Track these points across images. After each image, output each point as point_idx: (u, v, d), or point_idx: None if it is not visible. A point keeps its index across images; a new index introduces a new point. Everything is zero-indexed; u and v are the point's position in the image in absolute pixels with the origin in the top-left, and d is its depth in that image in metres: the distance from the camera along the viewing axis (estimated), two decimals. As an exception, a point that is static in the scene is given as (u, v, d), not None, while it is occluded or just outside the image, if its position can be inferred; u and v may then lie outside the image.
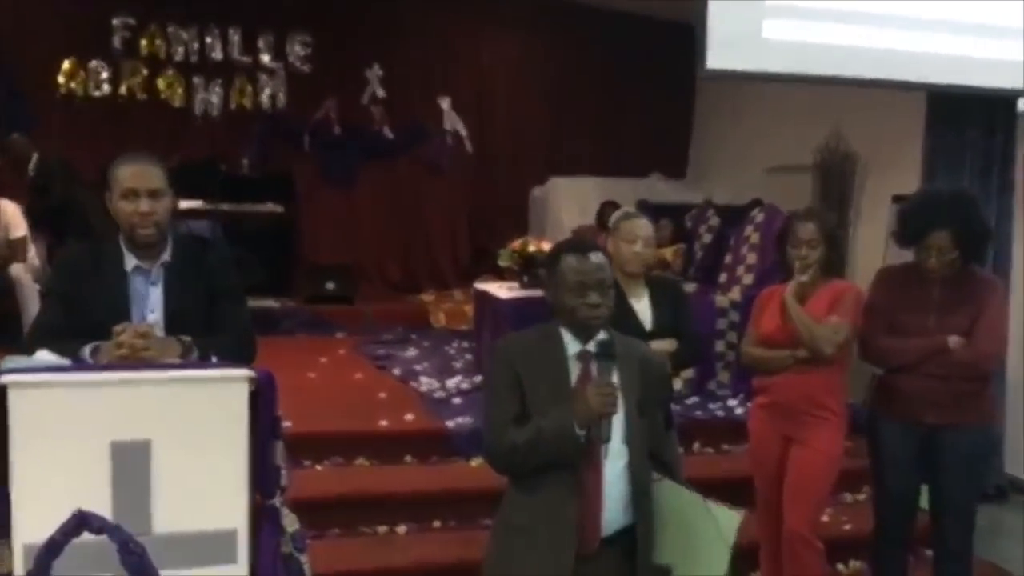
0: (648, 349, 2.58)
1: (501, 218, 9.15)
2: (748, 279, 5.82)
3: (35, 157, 6.71)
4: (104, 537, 1.93)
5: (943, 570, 3.30)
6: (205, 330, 2.49)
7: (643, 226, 3.25)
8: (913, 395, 3.12)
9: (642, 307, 3.25)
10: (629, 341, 2.47)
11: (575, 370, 2.35)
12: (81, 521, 1.83)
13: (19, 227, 6.34)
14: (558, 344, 2.36)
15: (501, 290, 5.98)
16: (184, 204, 7.53)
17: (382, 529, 4.06)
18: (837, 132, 5.53)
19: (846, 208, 5.12)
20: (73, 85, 8.09)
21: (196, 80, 8.35)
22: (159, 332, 2.42)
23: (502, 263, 6.10)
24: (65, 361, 2.23)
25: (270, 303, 7.26)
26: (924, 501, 3.32)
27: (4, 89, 7.89)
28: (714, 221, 6.91)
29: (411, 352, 6.70)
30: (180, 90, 8.32)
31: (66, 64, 8.06)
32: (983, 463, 3.24)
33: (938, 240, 3.05)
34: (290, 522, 2.36)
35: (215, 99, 8.42)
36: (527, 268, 5.91)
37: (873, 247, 5.85)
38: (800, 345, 3.16)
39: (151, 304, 2.52)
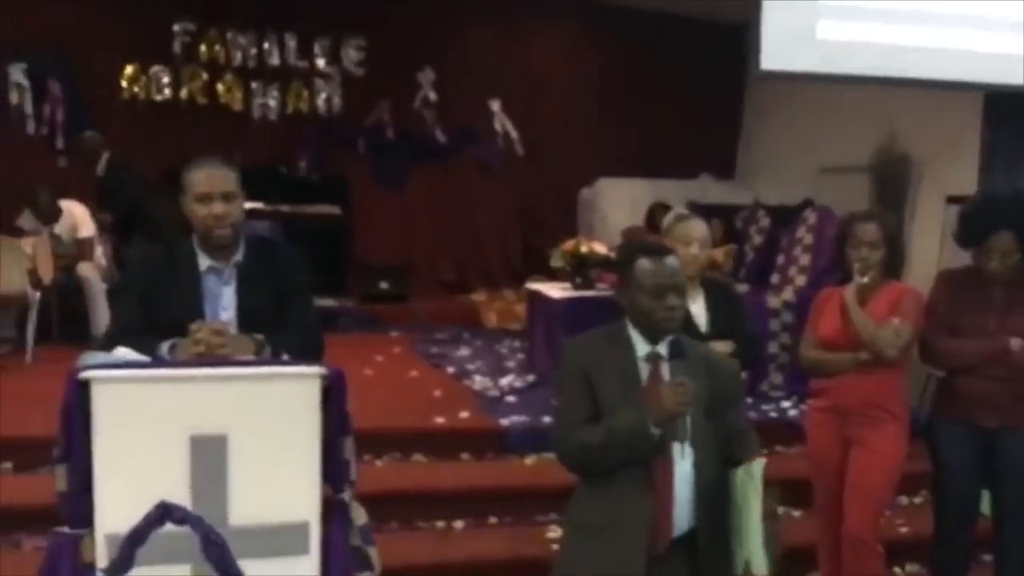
0: (714, 351, 2.57)
1: (551, 218, 9.15)
2: (801, 280, 5.77)
3: (105, 156, 6.85)
4: (184, 528, 1.99)
5: (1005, 574, 3.25)
6: (275, 328, 2.54)
7: (698, 228, 3.23)
8: (974, 397, 3.08)
9: (697, 309, 3.23)
10: (695, 344, 2.47)
11: (644, 371, 2.35)
12: (164, 512, 1.88)
13: (86, 227, 6.49)
14: (627, 345, 2.37)
15: (553, 290, 6.00)
16: (246, 206, 7.68)
17: (439, 524, 4.09)
18: (892, 133, 5.45)
19: (901, 209, 5.06)
20: (136, 90, 8.22)
21: (254, 85, 8.45)
22: (232, 330, 2.47)
23: (554, 264, 6.10)
24: (144, 358, 2.29)
25: (328, 302, 7.33)
26: (984, 507, 3.27)
27: (69, 94, 8.08)
28: (764, 222, 6.85)
29: (464, 351, 6.73)
30: (239, 94, 8.42)
31: (128, 69, 8.20)
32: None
33: (1000, 242, 3.00)
34: (358, 515, 2.40)
35: (272, 103, 8.51)
36: (579, 269, 5.91)
37: (928, 248, 5.76)
38: (860, 347, 3.12)
39: (224, 303, 2.57)
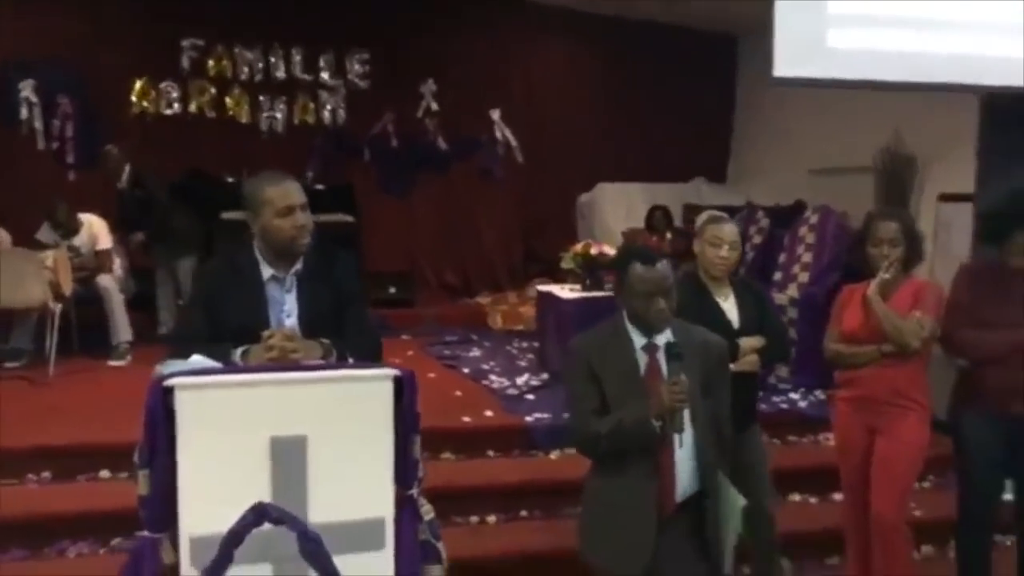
0: (707, 333, 2.68)
1: (550, 223, 9.20)
2: (804, 277, 5.83)
3: (127, 168, 6.82)
4: (265, 528, 2.00)
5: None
6: (335, 333, 2.56)
7: (729, 231, 3.27)
8: (1000, 387, 3.13)
9: (729, 307, 3.27)
10: (689, 328, 2.63)
11: (642, 360, 2.54)
12: (262, 512, 1.89)
13: (104, 240, 6.47)
14: (626, 338, 2.57)
15: (564, 292, 6.03)
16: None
17: (473, 519, 4.11)
18: (897, 134, 5.53)
19: (906, 208, 5.13)
20: (145, 104, 8.23)
21: (261, 98, 8.47)
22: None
23: (565, 266, 6.14)
24: (218, 364, 2.31)
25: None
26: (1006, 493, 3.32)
27: (79, 109, 8.06)
28: (764, 222, 6.91)
29: (475, 352, 6.75)
30: (246, 107, 8.44)
31: (138, 84, 8.20)
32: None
33: (1022, 239, 3.05)
34: (426, 511, 2.43)
35: (279, 115, 8.54)
36: (589, 270, 5.95)
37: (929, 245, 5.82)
38: (883, 340, 3.17)
39: (287, 310, 2.59)
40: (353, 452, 2.20)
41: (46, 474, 4.16)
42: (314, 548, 1.89)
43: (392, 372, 2.23)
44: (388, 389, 2.23)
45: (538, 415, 4.86)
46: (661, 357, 2.52)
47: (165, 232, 6.78)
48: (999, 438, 3.19)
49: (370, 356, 2.54)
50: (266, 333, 2.37)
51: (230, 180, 8.15)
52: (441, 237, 9.03)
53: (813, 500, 4.46)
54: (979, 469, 3.27)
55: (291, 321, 2.56)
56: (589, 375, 2.53)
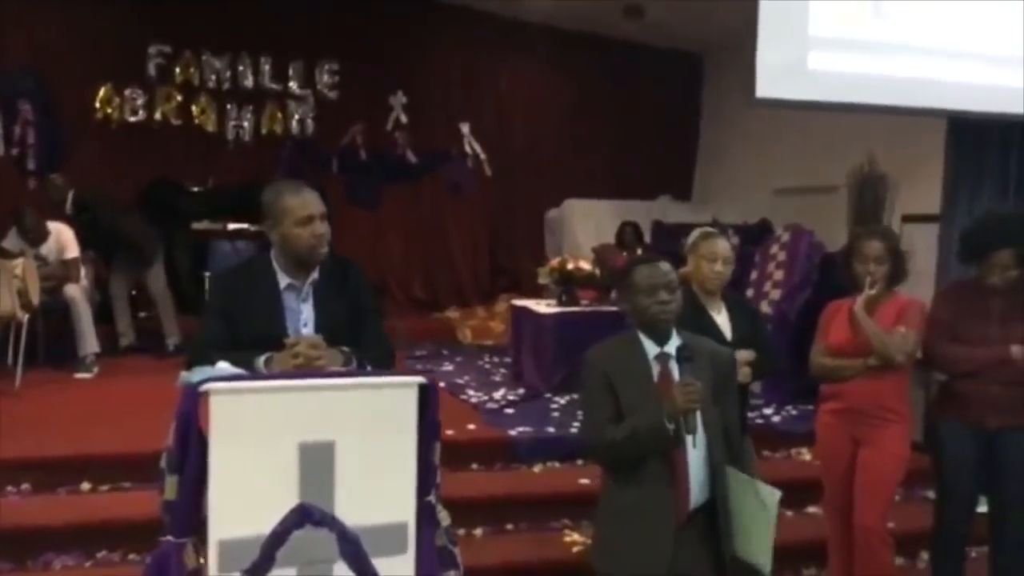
0: (715, 344, 2.82)
1: (518, 238, 9.36)
2: (775, 294, 6.03)
3: (70, 195, 6.75)
4: (306, 530, 2.09)
5: (1001, 567, 3.50)
6: (350, 341, 2.64)
7: (723, 246, 3.40)
8: (977, 400, 3.33)
9: (722, 321, 3.40)
10: (698, 339, 2.77)
11: (655, 368, 2.66)
12: (304, 514, 1.97)
13: (72, 249, 6.43)
14: (639, 349, 2.68)
15: (540, 307, 6.16)
16: (232, 225, 7.69)
17: (460, 531, 4.18)
18: (870, 154, 5.78)
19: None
20: (109, 111, 8.21)
21: (229, 106, 8.50)
22: (318, 344, 2.57)
23: (541, 281, 6.27)
24: (242, 371, 2.38)
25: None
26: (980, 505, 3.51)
27: (41, 115, 7.99)
28: (734, 240, 7.10)
29: (447, 367, 6.84)
30: (213, 116, 8.46)
31: (102, 91, 8.17)
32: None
33: (1001, 259, 3.27)
34: (443, 517, 2.52)
35: (247, 125, 8.58)
36: (565, 285, 6.09)
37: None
38: (868, 354, 3.35)
39: (303, 319, 2.67)
40: (378, 457, 2.29)
41: (26, 486, 4.15)
42: (353, 549, 1.98)
43: (418, 380, 2.33)
44: (414, 396, 2.33)
45: (522, 429, 4.96)
46: (673, 365, 2.64)
47: (115, 249, 6.78)
48: (975, 450, 3.38)
49: (386, 364, 2.64)
50: (290, 340, 2.45)
51: (196, 189, 8.17)
52: (409, 251, 9.12)
53: (789, 513, 4.61)
54: (956, 480, 3.46)
55: (307, 330, 2.64)
56: (604, 385, 2.63)
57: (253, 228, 7.49)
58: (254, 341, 2.54)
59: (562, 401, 5.62)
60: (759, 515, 2.59)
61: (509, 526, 4.29)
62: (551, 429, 5.02)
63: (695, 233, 3.48)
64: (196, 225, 7.76)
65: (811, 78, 4.38)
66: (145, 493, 4.04)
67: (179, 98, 8.35)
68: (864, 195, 5.49)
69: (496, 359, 7.12)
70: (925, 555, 4.16)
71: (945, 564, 3.58)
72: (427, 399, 2.37)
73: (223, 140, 8.53)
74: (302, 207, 2.66)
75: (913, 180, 6.20)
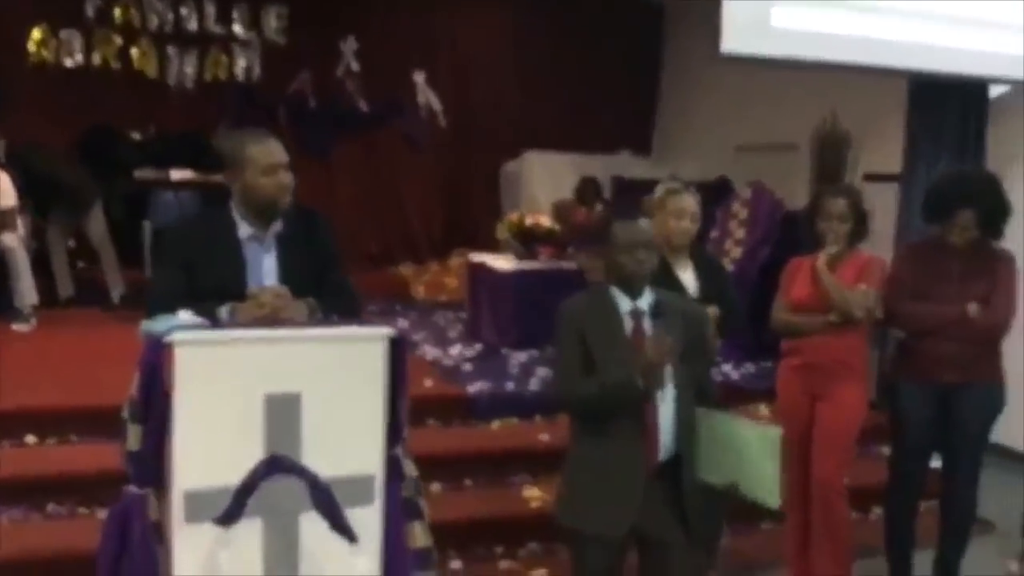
0: (687, 301, 2.92)
1: (474, 192, 9.35)
2: (737, 252, 6.16)
3: (3, 143, 6.61)
4: (273, 479, 2.14)
5: (949, 517, 3.68)
6: (315, 294, 2.67)
7: (691, 202, 3.47)
8: (934, 358, 3.47)
9: (688, 278, 3.47)
10: (671, 296, 2.87)
11: (627, 325, 2.73)
12: (274, 463, 2.02)
13: (8, 197, 6.29)
14: (611, 303, 2.76)
15: (499, 262, 6.21)
16: (176, 175, 7.59)
17: (419, 488, 4.26)
18: (833, 112, 5.90)
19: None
20: (44, 54, 7.97)
21: (171, 51, 8.31)
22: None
23: (500, 236, 6.31)
24: (204, 320, 2.40)
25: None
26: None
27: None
28: (698, 197, 7.19)
29: (401, 323, 6.86)
30: (154, 61, 8.28)
31: (36, 33, 7.94)
32: (993, 417, 3.60)
33: (964, 218, 3.39)
34: (410, 469, 2.59)
35: (189, 70, 8.40)
36: (525, 240, 6.14)
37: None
38: (829, 310, 3.47)
39: (265, 270, 2.69)
40: (345, 410, 2.35)
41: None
42: (326, 498, 2.04)
43: (387, 332, 2.37)
44: (382, 349, 2.37)
45: (480, 385, 5.03)
46: (645, 321, 2.72)
47: (52, 199, 6.67)
48: (931, 406, 3.54)
49: (353, 316, 2.68)
50: (255, 290, 2.47)
51: (136, 137, 8.03)
52: (361, 203, 9.03)
53: (747, 468, 4.77)
54: (911, 434, 3.62)
55: (270, 281, 2.66)
56: (577, 338, 2.69)
57: (199, 178, 7.39)
58: (214, 292, 2.55)
59: (521, 358, 5.70)
60: (759, 454, 2.68)
61: (468, 482, 4.39)
62: (510, 385, 5.11)
63: (660, 189, 3.54)
64: (139, 174, 7.61)
65: (774, 34, 4.45)
66: (93, 446, 4.08)
67: (119, 41, 8.14)
68: (826, 154, 5.61)
69: (451, 315, 7.17)
70: (878, 510, 4.35)
71: (898, 517, 3.76)
72: (396, 352, 2.42)
73: (164, 86, 8.35)
74: (266, 156, 2.67)
75: (875, 139, 6.34)
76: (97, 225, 6.72)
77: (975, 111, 5.55)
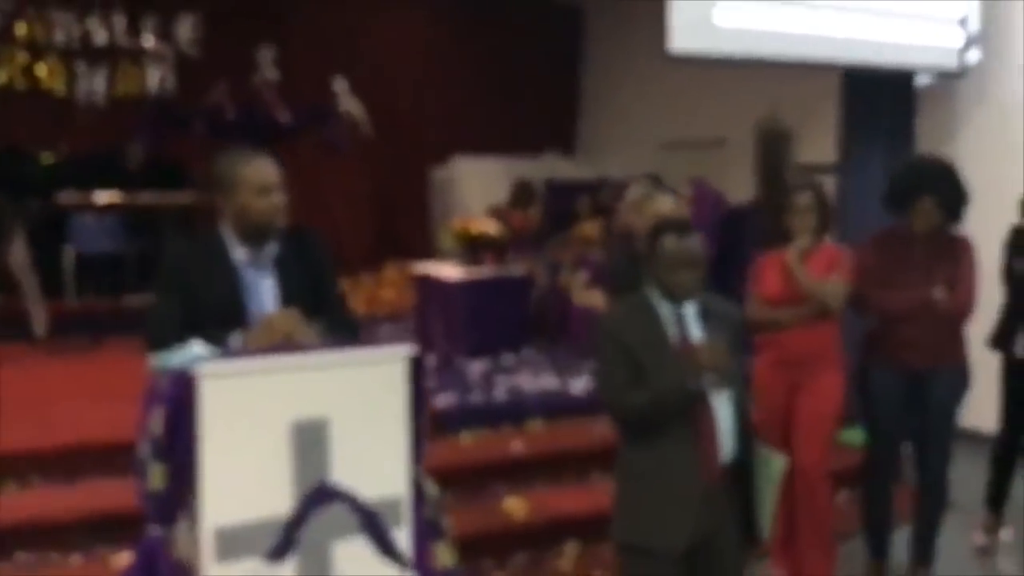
0: (724, 301, 2.98)
1: (402, 200, 9.34)
2: (682, 249, 6.30)
3: None
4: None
5: (925, 496, 3.89)
6: (314, 313, 2.66)
7: (669, 204, 3.60)
8: (903, 343, 3.66)
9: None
10: (711, 298, 2.86)
11: (671, 329, 2.74)
12: (324, 493, 2.03)
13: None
14: (653, 310, 2.77)
15: (445, 271, 6.24)
16: (101, 198, 7.38)
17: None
18: (772, 107, 6.13)
19: (781, 179, 5.70)
20: (-57, 73, 7.67)
21: (79, 66, 8.08)
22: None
23: (444, 246, 6.34)
24: (217, 350, 2.38)
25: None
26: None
27: None
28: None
29: (346, 339, 6.82)
30: (62, 77, 8.04)
31: (-65, 50, 7.64)
32: (961, 398, 3.82)
33: (925, 205, 3.59)
34: (431, 488, 2.62)
35: (99, 87, 8.17)
36: (472, 249, 6.18)
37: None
38: (802, 303, 3.63)
39: (264, 294, 2.67)
40: (371, 432, 2.36)
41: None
42: (376, 524, 2.05)
43: (408, 353, 2.40)
44: (404, 369, 2.40)
45: (444, 397, 5.05)
46: (690, 325, 2.73)
47: None
48: (903, 388, 3.73)
49: (353, 335, 2.70)
50: (265, 315, 2.47)
51: (50, 158, 7.80)
52: (287, 216, 8.90)
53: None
54: (884, 419, 3.81)
55: (271, 305, 2.64)
56: (621, 350, 2.69)
57: (126, 200, 7.22)
58: (213, 319, 2.53)
59: (479, 367, 5.74)
60: (763, 479, 2.79)
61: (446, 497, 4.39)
62: (475, 396, 5.15)
63: (636, 191, 3.66)
64: (62, 197, 7.41)
65: (717, 33, 4.62)
66: (52, 490, 3.96)
67: (24, 58, 7.88)
68: (769, 147, 5.82)
69: (394, 328, 7.15)
70: (845, 492, 4.58)
71: (876, 498, 3.94)
72: (415, 369, 2.45)
73: (73, 104, 8.11)
74: (258, 176, 2.66)
75: (806, 131, 6.59)
76: (18, 251, 6.49)
77: (903, 101, 5.85)
